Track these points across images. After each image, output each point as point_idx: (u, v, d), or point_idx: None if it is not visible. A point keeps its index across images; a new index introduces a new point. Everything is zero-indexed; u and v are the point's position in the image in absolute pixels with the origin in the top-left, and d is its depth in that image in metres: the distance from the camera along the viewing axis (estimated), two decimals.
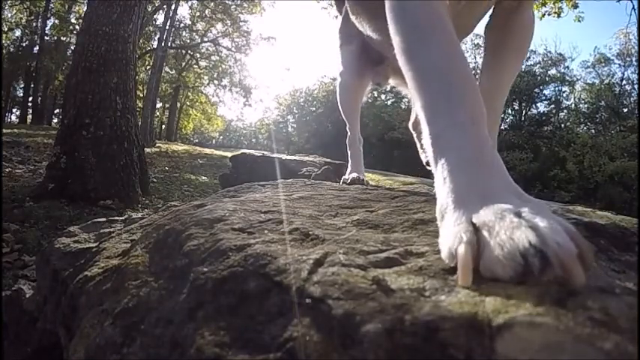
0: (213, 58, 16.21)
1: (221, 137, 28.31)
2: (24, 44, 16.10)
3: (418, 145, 1.17)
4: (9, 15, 14.30)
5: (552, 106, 19.08)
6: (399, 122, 16.29)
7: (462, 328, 0.26)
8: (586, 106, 18.78)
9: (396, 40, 0.51)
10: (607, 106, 17.64)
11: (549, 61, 19.00)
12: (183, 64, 16.44)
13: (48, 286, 0.67)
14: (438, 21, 0.49)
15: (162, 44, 11.59)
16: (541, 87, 18.78)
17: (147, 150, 5.28)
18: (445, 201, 0.39)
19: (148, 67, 12.91)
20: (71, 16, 14.17)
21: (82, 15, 7.03)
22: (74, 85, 3.62)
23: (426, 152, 0.46)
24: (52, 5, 14.16)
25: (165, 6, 12.33)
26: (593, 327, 0.25)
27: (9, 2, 13.34)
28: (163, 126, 18.91)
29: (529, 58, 17.57)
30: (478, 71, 0.91)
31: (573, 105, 19.15)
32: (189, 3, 14.65)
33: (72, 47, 13.66)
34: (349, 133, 1.35)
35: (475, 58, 17.59)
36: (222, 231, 0.47)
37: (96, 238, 0.72)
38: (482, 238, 0.32)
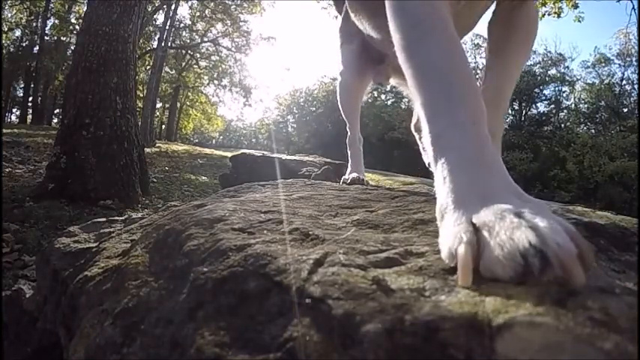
0: (213, 58, 16.21)
1: (221, 137, 28.28)
2: (24, 44, 16.11)
3: (420, 147, 1.16)
4: (9, 15, 14.32)
5: (552, 106, 19.10)
6: (399, 122, 16.31)
7: (462, 328, 0.26)
8: (586, 106, 18.78)
9: (396, 37, 0.51)
10: (607, 106, 17.64)
11: (549, 61, 19.00)
12: (183, 64, 16.44)
13: (48, 286, 0.67)
14: (438, 19, 0.48)
15: (163, 44, 11.59)
16: (541, 87, 18.79)
17: (147, 150, 5.29)
18: (445, 201, 0.39)
19: (148, 67, 12.92)
20: (71, 16, 14.18)
21: (82, 15, 7.04)
22: (74, 85, 3.62)
23: (426, 151, 0.46)
24: (52, 5, 14.16)
25: (165, 6, 12.34)
26: (593, 327, 0.25)
27: (9, 2, 13.35)
28: (163, 126, 18.91)
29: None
30: (478, 71, 0.89)
31: (573, 105, 19.17)
32: (189, 3, 14.68)
33: (72, 47, 13.68)
34: (349, 133, 1.35)
35: (475, 58, 17.61)
36: (222, 231, 0.47)
37: (96, 238, 0.72)
38: (482, 239, 0.32)
